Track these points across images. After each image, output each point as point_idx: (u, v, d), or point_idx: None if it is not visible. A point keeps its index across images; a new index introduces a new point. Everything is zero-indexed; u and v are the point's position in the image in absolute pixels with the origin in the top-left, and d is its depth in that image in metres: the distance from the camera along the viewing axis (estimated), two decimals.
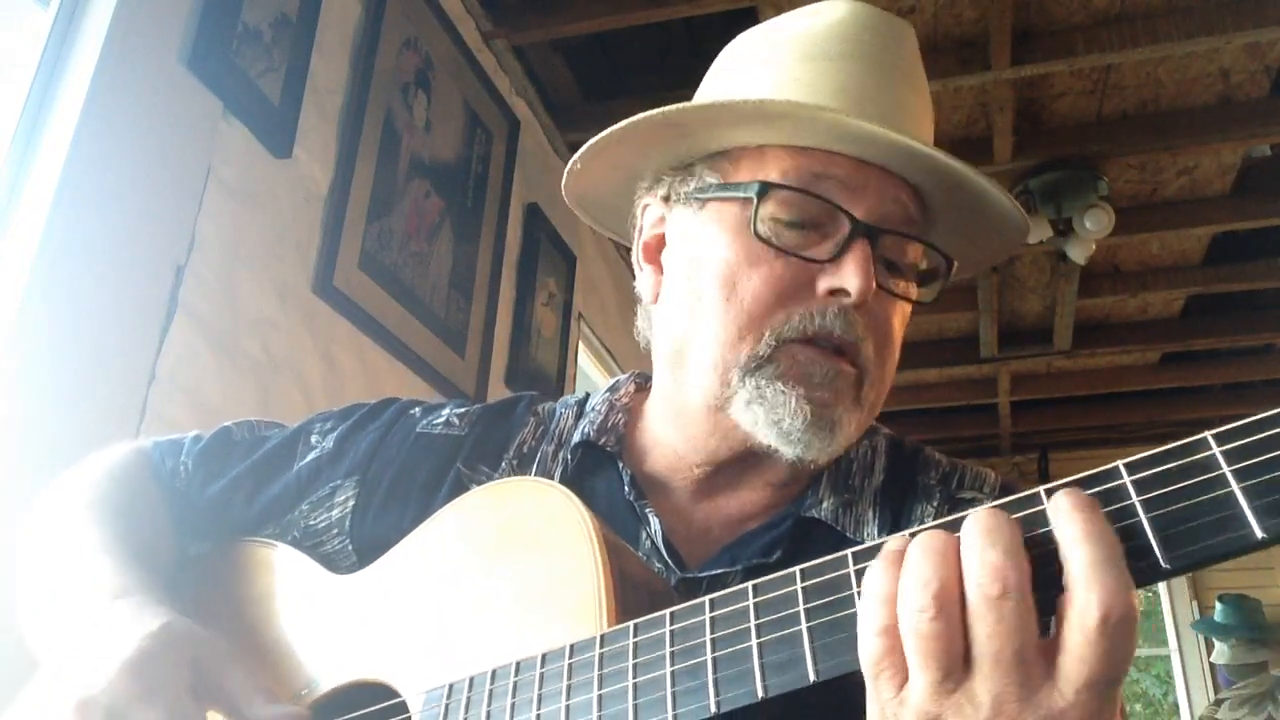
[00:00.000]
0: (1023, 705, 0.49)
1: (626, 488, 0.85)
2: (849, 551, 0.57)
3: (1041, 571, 0.50)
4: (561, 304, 3.42)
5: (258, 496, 0.94)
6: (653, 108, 0.82)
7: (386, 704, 0.77)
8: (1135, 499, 0.50)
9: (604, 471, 0.88)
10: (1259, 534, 0.46)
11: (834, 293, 0.77)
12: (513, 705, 0.65)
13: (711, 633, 0.59)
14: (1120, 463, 0.51)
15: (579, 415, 0.93)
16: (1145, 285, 4.29)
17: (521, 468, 0.89)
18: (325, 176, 2.21)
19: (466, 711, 0.68)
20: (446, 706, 0.69)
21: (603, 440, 0.89)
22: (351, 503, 0.90)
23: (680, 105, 0.81)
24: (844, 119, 0.76)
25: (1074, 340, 4.66)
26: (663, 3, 2.73)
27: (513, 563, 0.72)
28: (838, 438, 0.78)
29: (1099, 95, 3.25)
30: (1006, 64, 2.91)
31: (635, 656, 0.61)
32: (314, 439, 0.95)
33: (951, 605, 0.50)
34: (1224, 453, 0.48)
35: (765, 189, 0.79)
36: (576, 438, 0.89)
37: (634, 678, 0.60)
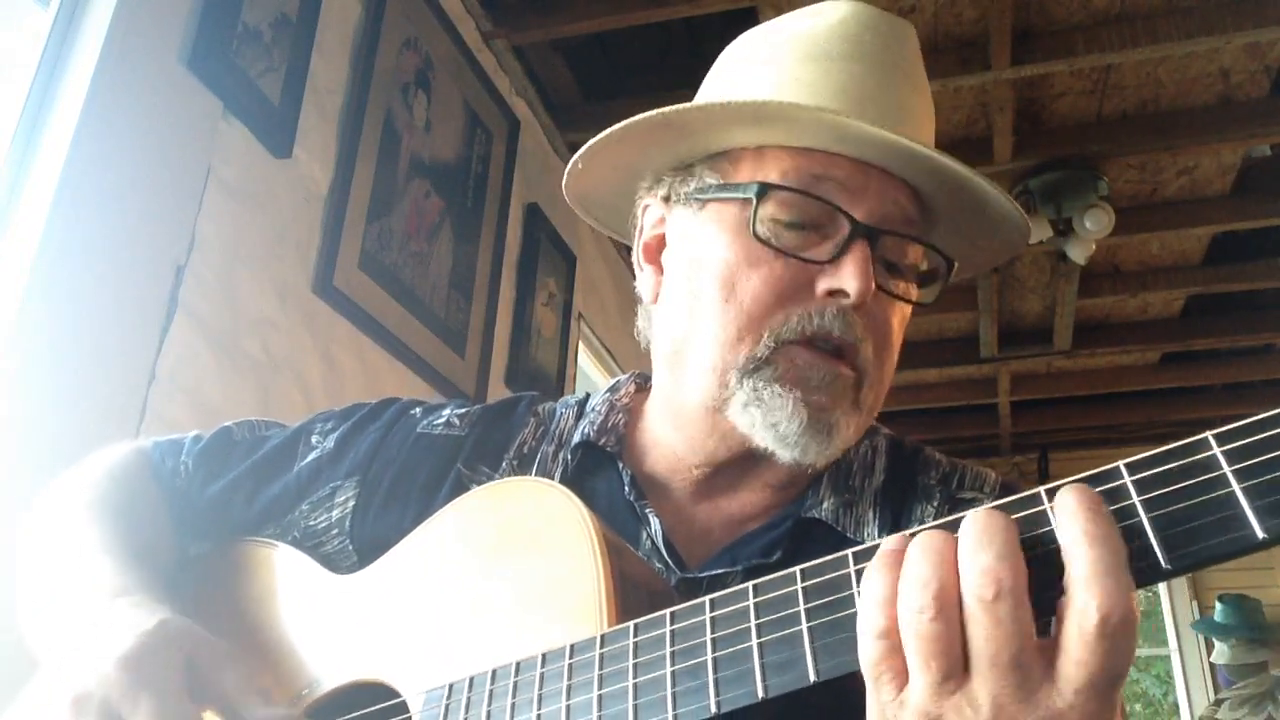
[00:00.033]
0: (1022, 706, 0.49)
1: (627, 488, 0.85)
2: (849, 551, 0.57)
3: (1041, 573, 0.50)
4: (561, 304, 3.42)
5: (258, 496, 0.94)
6: (653, 108, 0.82)
7: (386, 704, 0.77)
8: (1136, 499, 0.49)
9: (604, 472, 0.88)
10: (1260, 534, 0.46)
11: (833, 294, 0.77)
12: (513, 705, 0.65)
13: (712, 633, 0.59)
14: (1121, 463, 0.51)
15: (579, 415, 0.93)
16: (1145, 285, 4.29)
17: (522, 468, 0.89)
18: (325, 176, 2.21)
19: (466, 712, 0.68)
20: (446, 707, 0.69)
21: (603, 440, 0.89)
22: (352, 503, 0.90)
23: (679, 106, 0.81)
24: (843, 120, 0.76)
25: (1074, 340, 4.66)
26: (663, 3, 2.73)
27: (513, 563, 0.72)
28: (835, 441, 0.78)
29: (1099, 95, 3.25)
30: (1006, 64, 2.91)
31: (635, 657, 0.61)
32: (314, 439, 0.95)
33: (951, 606, 0.50)
34: (1225, 453, 0.48)
35: (764, 190, 0.79)
36: (577, 438, 0.89)
37: (634, 678, 0.60)
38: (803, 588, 0.57)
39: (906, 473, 0.86)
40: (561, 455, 0.89)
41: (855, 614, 0.54)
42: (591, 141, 0.86)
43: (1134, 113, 3.32)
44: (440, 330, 2.59)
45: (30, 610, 0.87)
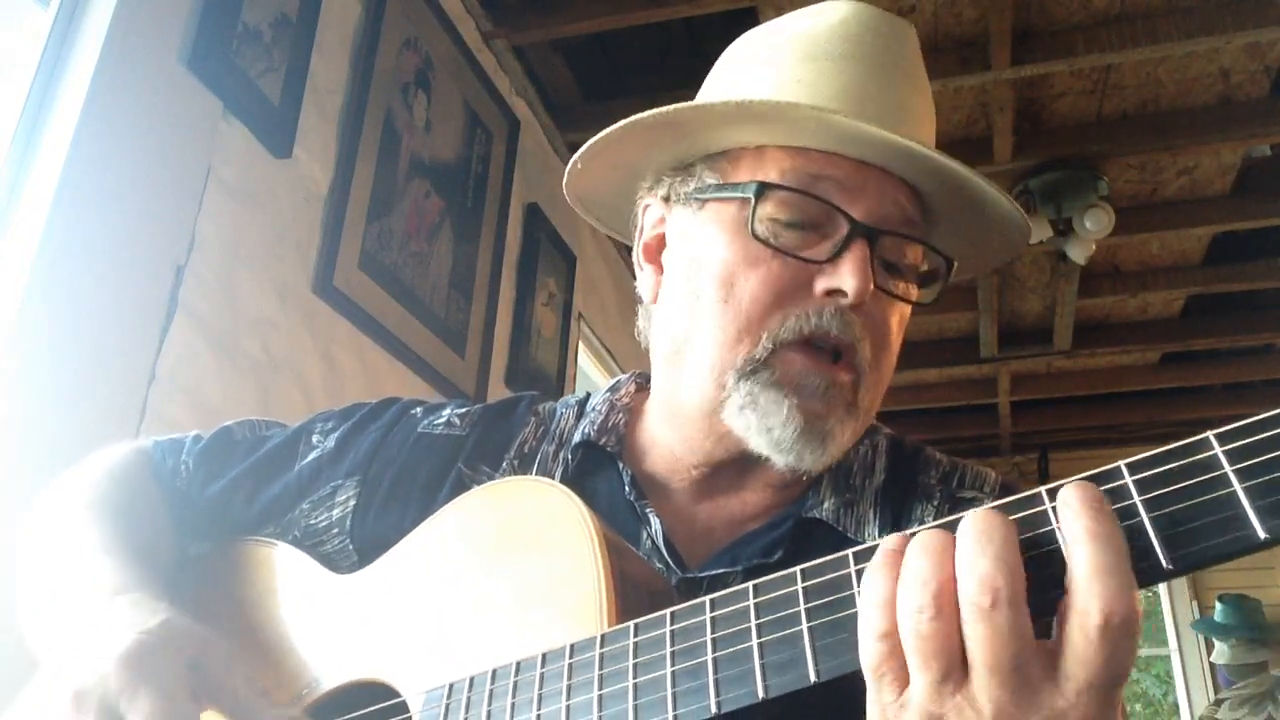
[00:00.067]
0: (1023, 707, 0.49)
1: (627, 488, 0.85)
2: (849, 551, 0.57)
3: (1041, 573, 0.50)
4: (561, 304, 3.42)
5: (258, 496, 0.94)
6: (653, 108, 0.81)
7: (387, 704, 0.77)
8: (1137, 499, 0.49)
9: (604, 471, 0.88)
10: (1261, 534, 0.46)
11: (831, 293, 0.77)
12: (513, 705, 0.65)
13: (712, 633, 0.59)
14: (1122, 463, 0.51)
15: (580, 415, 0.93)
16: (1145, 285, 4.29)
17: (522, 468, 0.89)
18: (325, 176, 2.21)
19: (467, 711, 0.68)
20: (447, 706, 0.69)
21: (603, 440, 0.89)
22: (352, 502, 0.90)
23: (677, 105, 0.80)
24: (842, 120, 0.76)
25: (1074, 340, 4.66)
26: (663, 3, 2.73)
27: (513, 562, 0.72)
28: (829, 448, 0.78)
29: (1099, 95, 3.25)
30: (1006, 64, 2.91)
31: (636, 656, 0.61)
32: (315, 439, 0.95)
33: (950, 605, 0.50)
34: (1226, 453, 0.48)
35: (763, 189, 0.79)
36: (577, 438, 0.89)
37: (634, 678, 0.60)
38: (803, 588, 0.57)
39: (907, 472, 0.86)
40: (562, 455, 0.89)
41: (856, 614, 0.54)
42: (590, 141, 0.86)
43: (1134, 113, 3.32)
44: (440, 330, 2.59)
45: (30, 610, 0.87)
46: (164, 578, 0.88)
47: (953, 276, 0.86)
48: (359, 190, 2.27)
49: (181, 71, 1.80)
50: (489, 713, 0.66)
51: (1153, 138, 3.31)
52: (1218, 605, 5.18)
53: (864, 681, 0.54)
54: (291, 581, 0.90)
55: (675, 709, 0.58)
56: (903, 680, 0.52)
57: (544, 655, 0.65)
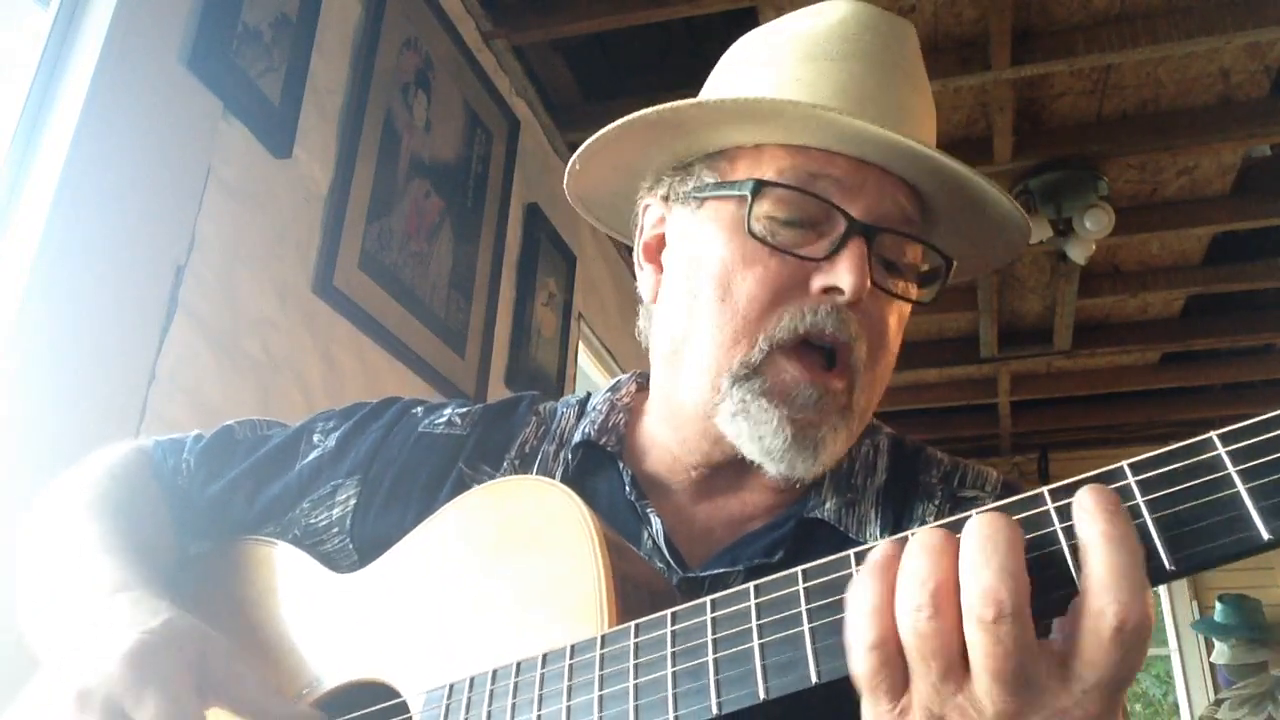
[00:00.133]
0: (1026, 707, 0.49)
1: (627, 488, 0.85)
2: (851, 552, 0.57)
3: (1046, 573, 0.49)
4: (561, 304, 3.41)
5: (259, 495, 0.94)
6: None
7: (387, 704, 0.77)
8: (1140, 500, 0.49)
9: (605, 471, 0.88)
10: (1265, 535, 0.45)
11: (828, 290, 0.76)
12: (513, 705, 0.65)
13: (713, 633, 0.59)
14: (1125, 463, 0.50)
15: (580, 415, 0.93)
16: (1145, 285, 4.29)
17: (523, 467, 0.89)
18: (325, 176, 2.21)
19: (467, 712, 0.68)
20: (447, 707, 0.69)
21: (603, 440, 0.88)
22: (353, 502, 0.90)
23: (673, 103, 0.80)
24: (841, 118, 0.76)
25: (1074, 340, 4.66)
26: (663, 3, 2.73)
27: (513, 562, 0.72)
28: (821, 456, 0.78)
29: (1099, 95, 3.25)
30: (1006, 64, 2.90)
31: (636, 657, 0.61)
32: (316, 438, 0.95)
33: (949, 605, 0.49)
34: (1230, 453, 0.47)
35: (759, 187, 0.79)
36: (577, 437, 0.89)
37: (635, 678, 0.60)
38: (805, 588, 0.57)
39: (908, 472, 0.86)
40: (562, 454, 0.89)
41: None
42: (588, 141, 0.86)
43: (1134, 113, 3.32)
44: (440, 330, 2.59)
45: (31, 609, 0.87)
46: (164, 577, 0.87)
47: (953, 277, 0.86)
48: (359, 190, 2.27)
49: (181, 71, 1.80)
50: (489, 713, 0.66)
51: (1153, 138, 3.31)
52: (1218, 605, 5.18)
53: None
54: (291, 581, 0.90)
55: (676, 709, 0.58)
56: (899, 689, 0.51)
57: (544, 655, 0.65)
